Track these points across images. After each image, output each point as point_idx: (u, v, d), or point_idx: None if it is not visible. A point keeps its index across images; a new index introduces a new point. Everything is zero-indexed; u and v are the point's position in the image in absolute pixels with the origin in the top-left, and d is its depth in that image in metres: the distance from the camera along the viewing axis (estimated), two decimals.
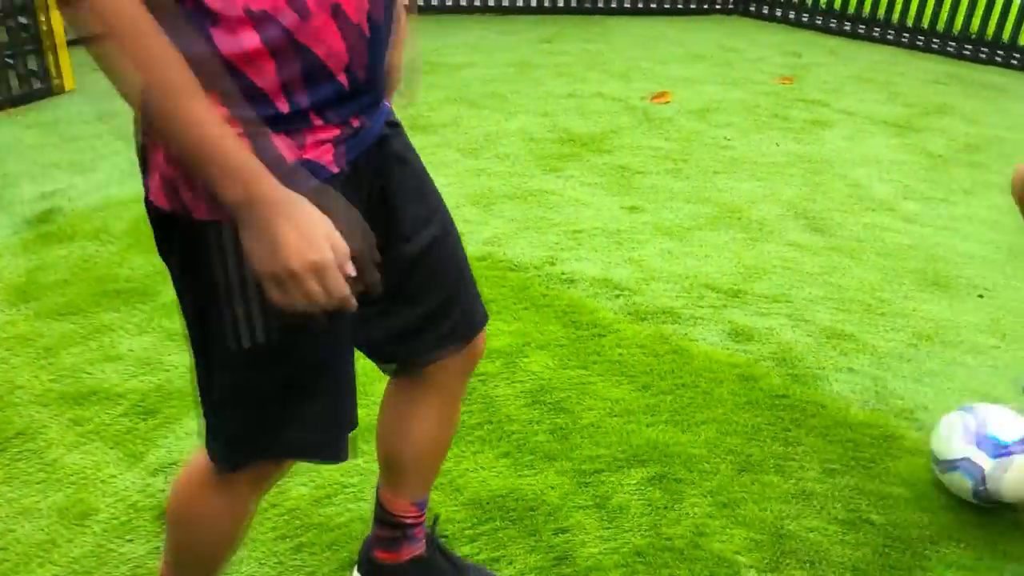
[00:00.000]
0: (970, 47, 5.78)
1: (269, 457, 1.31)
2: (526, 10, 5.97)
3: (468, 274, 1.49)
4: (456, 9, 5.84)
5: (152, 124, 1.06)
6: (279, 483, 1.79)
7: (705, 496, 2.02)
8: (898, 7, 5.94)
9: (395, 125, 1.34)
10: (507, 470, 2.06)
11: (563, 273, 2.90)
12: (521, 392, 2.32)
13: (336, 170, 1.16)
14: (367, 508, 1.88)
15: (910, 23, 5.95)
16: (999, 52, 5.70)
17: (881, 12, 6.00)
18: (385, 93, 1.29)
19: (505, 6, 5.93)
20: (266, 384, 1.23)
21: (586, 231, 3.18)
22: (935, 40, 5.87)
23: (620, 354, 2.51)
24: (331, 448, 1.32)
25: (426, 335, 1.43)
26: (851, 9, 6.08)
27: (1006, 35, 5.67)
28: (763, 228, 3.30)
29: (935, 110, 4.75)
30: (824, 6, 6.14)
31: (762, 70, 5.20)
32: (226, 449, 1.29)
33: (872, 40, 6.04)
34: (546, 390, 2.33)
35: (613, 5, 6.15)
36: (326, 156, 1.15)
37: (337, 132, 1.15)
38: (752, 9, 6.43)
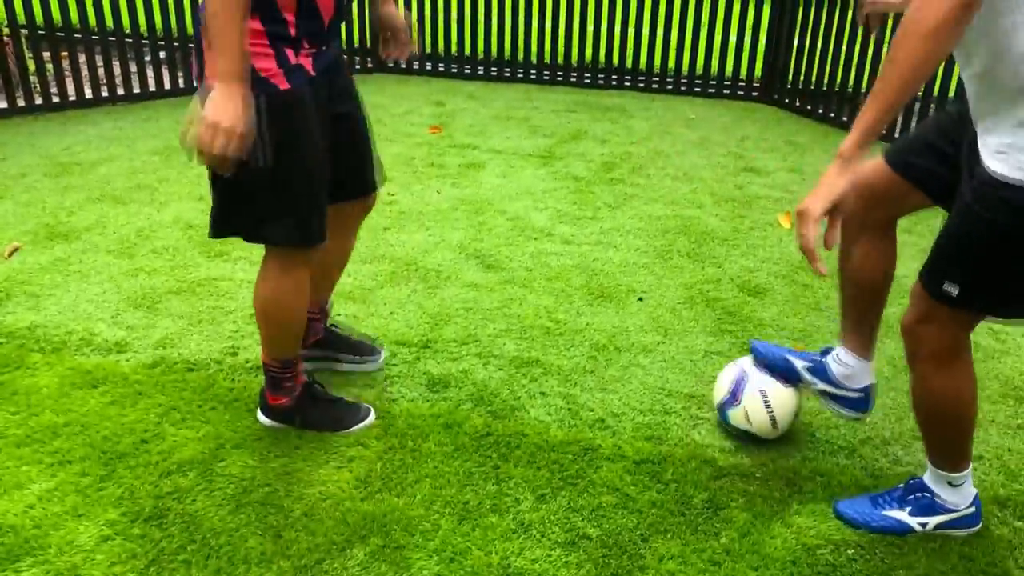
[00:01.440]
0: (590, 75, 6.38)
1: (279, 241, 2.15)
2: (161, 94, 5.70)
3: (370, 147, 2.36)
4: (82, 103, 5.44)
5: (211, 24, 1.83)
6: None
7: (431, 556, 2.00)
8: (521, 48, 6.42)
9: (342, 53, 2.26)
10: None
11: (247, 361, 2.77)
12: (223, 499, 2.16)
13: (313, 74, 2.03)
14: None
15: (534, 60, 6.45)
16: (615, 77, 6.35)
17: (507, 53, 6.44)
18: (396, 43, 2.40)
19: (137, 92, 5.62)
20: (270, 189, 2.05)
21: None
22: (560, 73, 6.41)
23: (322, 433, 2.43)
24: (316, 237, 2.14)
25: (347, 186, 2.31)
26: (480, 55, 6.48)
27: (616, 60, 6.32)
28: (440, 275, 3.38)
29: (571, 137, 5.16)
30: (456, 54, 6.48)
31: (412, 122, 5.36)
32: (239, 228, 2.14)
33: (506, 80, 6.47)
34: (249, 490, 2.20)
35: None
36: (308, 64, 2.02)
37: (314, 52, 2.04)
38: (391, 64, 6.62)
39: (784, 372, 2.39)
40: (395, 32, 2.40)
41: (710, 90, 6.26)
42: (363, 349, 2.73)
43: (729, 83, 6.24)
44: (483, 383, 2.68)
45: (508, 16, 6.35)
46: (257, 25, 1.93)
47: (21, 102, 5.25)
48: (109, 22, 5.70)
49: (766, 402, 2.37)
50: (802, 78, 5.82)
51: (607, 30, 6.22)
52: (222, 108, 1.84)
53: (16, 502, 2.13)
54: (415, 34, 2.12)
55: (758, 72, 6.17)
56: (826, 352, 2.38)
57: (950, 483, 2.10)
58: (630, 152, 4.92)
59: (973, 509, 2.13)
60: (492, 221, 3.90)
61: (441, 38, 6.47)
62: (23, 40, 5.25)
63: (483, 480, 2.26)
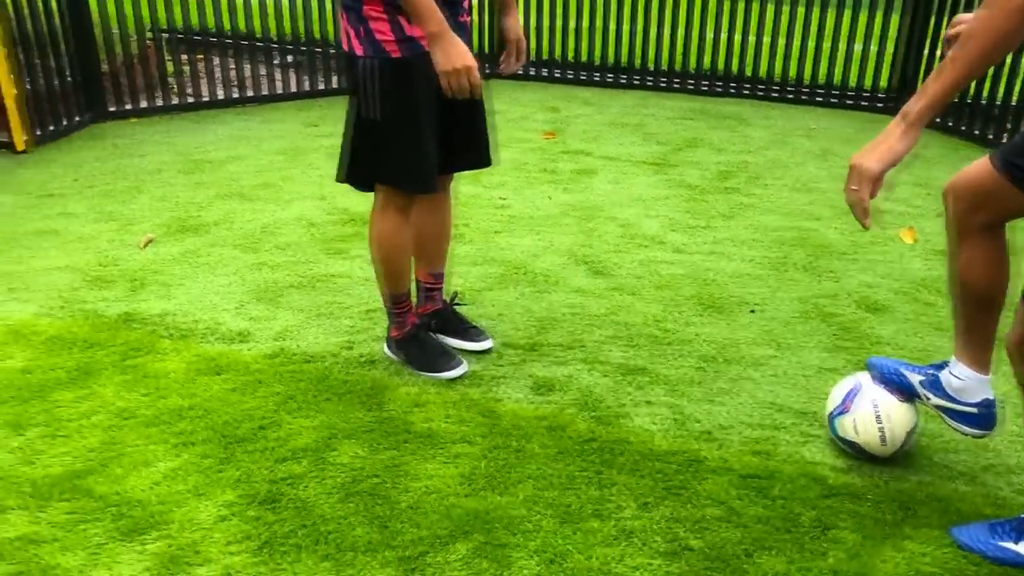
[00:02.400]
0: (708, 83, 6.30)
1: (385, 183, 2.50)
2: (286, 96, 5.93)
3: (485, 131, 2.64)
4: (214, 104, 5.72)
5: (409, 10, 2.19)
6: None
7: (532, 556, 2.02)
8: (638, 55, 6.39)
9: (469, 44, 2.41)
10: (329, 573, 1.97)
11: (362, 356, 2.85)
12: (333, 488, 2.24)
13: (427, 48, 2.26)
14: None
15: (651, 67, 6.41)
16: (733, 85, 6.25)
17: (624, 59, 6.43)
18: (507, 55, 2.64)
19: (266, 94, 5.86)
20: (381, 139, 2.41)
21: (379, 309, 3.15)
22: (677, 80, 6.35)
23: (429, 427, 2.48)
24: (416, 185, 2.48)
25: (458, 159, 2.61)
26: (596, 61, 6.48)
27: (734, 68, 6.22)
28: (548, 279, 3.41)
29: (686, 144, 5.11)
30: (573, 60, 6.51)
31: (526, 128, 5.41)
32: (360, 175, 2.53)
33: (622, 87, 6.45)
34: (359, 480, 2.27)
35: None
36: (423, 39, 2.26)
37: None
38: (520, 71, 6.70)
39: (899, 386, 2.32)
40: (516, 43, 2.64)
41: (832, 100, 6.09)
42: (472, 335, 2.88)
43: (853, 93, 6.05)
44: (588, 389, 2.69)
45: (627, 22, 6.33)
46: None
47: (160, 102, 5.55)
48: (242, 27, 5.97)
49: (877, 415, 2.29)
50: None
51: (727, 38, 6.13)
52: (449, 55, 2.21)
53: (144, 478, 2.26)
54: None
55: (884, 83, 5.97)
56: (942, 366, 2.29)
57: None
58: (747, 161, 4.84)
59: None
60: (602, 227, 3.90)
61: (558, 44, 6.51)
62: (164, 45, 5.55)
63: (586, 484, 2.27)
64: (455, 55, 2.21)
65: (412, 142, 2.41)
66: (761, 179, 4.57)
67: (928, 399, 2.28)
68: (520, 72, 6.62)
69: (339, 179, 2.57)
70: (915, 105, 1.66)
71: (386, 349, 2.85)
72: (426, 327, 2.85)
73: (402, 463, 2.33)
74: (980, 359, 2.19)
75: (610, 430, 2.49)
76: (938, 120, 5.55)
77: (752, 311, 3.20)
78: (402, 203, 2.55)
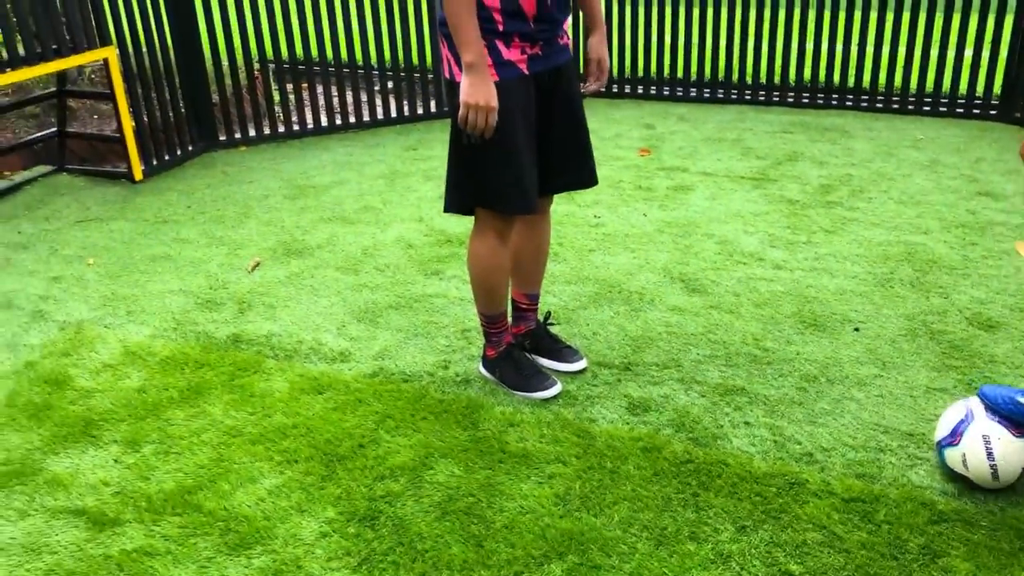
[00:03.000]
0: (808, 95, 6.16)
1: (482, 205, 2.53)
2: (387, 122, 6.08)
3: (587, 150, 2.65)
4: (318, 131, 5.91)
5: (451, 23, 2.25)
6: None
7: None
8: (735, 69, 6.30)
9: (570, 65, 2.55)
10: None
11: (457, 375, 2.90)
12: (430, 506, 2.27)
13: (526, 72, 2.39)
14: None
15: (749, 80, 6.31)
16: (835, 96, 6.10)
17: (721, 74, 6.35)
18: (587, 75, 2.66)
19: (367, 120, 6.03)
20: (478, 162, 2.44)
21: (474, 329, 3.20)
22: (776, 93, 6.24)
23: (524, 447, 2.50)
24: (512, 207, 2.49)
25: (558, 179, 2.64)
26: (692, 76, 6.43)
27: (836, 79, 6.07)
28: (643, 297, 3.38)
29: (786, 158, 5.01)
30: (668, 76, 6.47)
31: (620, 145, 5.40)
32: (459, 200, 2.56)
33: (718, 102, 6.37)
34: (455, 499, 2.30)
35: None
36: (521, 63, 2.38)
37: (528, 51, 2.39)
38: (602, 89, 6.70)
39: (1014, 417, 2.20)
40: (597, 63, 2.66)
41: (940, 109, 5.86)
42: (566, 356, 2.91)
43: (963, 101, 5.82)
44: (684, 409, 2.66)
45: (723, 37, 6.26)
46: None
47: (267, 130, 5.77)
48: (344, 56, 6.15)
49: (988, 450, 2.18)
50: None
51: (827, 48, 5.99)
52: (477, 89, 2.25)
53: (249, 495, 2.34)
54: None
55: (996, 89, 5.72)
56: None
57: None
58: (850, 174, 4.71)
59: None
60: (699, 244, 3.85)
61: (654, 60, 6.48)
62: (271, 75, 5.78)
63: (682, 507, 2.24)
64: (482, 92, 2.26)
65: (509, 164, 2.43)
66: (865, 192, 4.44)
67: None
68: (615, 90, 6.61)
69: (445, 209, 2.61)
70: None
71: (481, 368, 2.88)
72: (520, 347, 2.87)
73: (497, 483, 2.35)
74: None
75: (707, 452, 2.45)
76: None
77: (856, 329, 3.11)
78: (500, 225, 2.58)
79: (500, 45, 2.35)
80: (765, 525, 2.16)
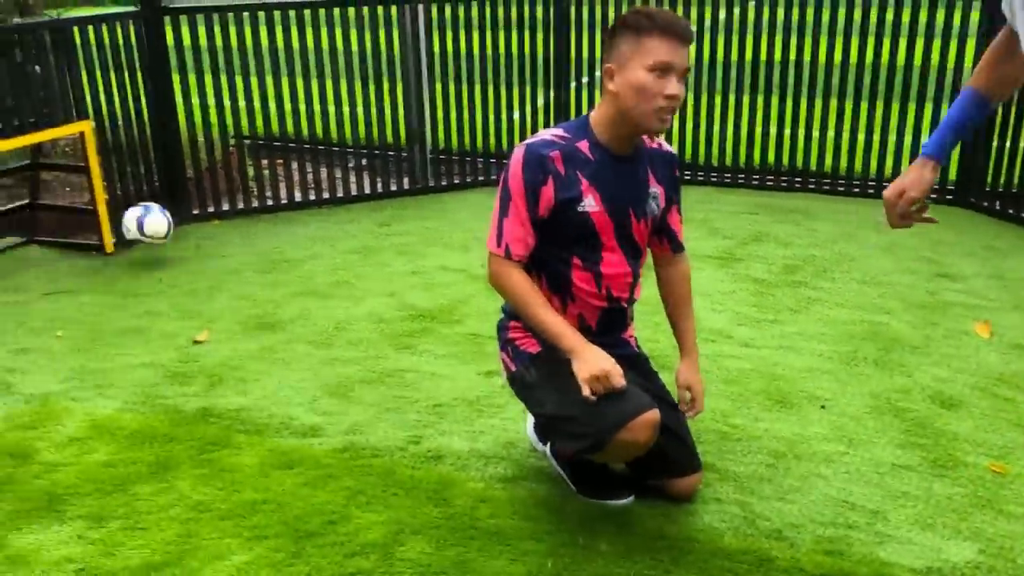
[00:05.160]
0: (772, 178, 6.35)
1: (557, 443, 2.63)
2: (360, 198, 6.15)
3: (683, 433, 2.61)
4: (291, 206, 5.97)
5: (532, 328, 2.47)
6: None
7: None
8: (701, 152, 6.49)
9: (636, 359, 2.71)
10: None
11: (428, 451, 2.89)
12: None
13: None
14: None
15: (715, 163, 6.49)
16: (798, 180, 6.28)
17: (688, 156, 6.53)
18: (680, 402, 2.69)
19: (340, 196, 6.10)
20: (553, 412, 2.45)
21: (446, 403, 3.21)
22: (741, 176, 6.42)
23: (496, 524, 2.49)
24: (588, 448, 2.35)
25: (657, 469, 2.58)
26: None
27: (799, 162, 6.27)
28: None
29: (752, 239, 5.13)
30: None
31: None
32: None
33: (686, 183, 6.53)
34: None
35: (444, 183, 6.44)
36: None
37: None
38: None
39: None
40: (688, 390, 2.68)
41: None
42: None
43: None
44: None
45: (690, 120, 6.46)
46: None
47: (240, 205, 5.82)
48: (319, 133, 6.25)
49: None
50: (1002, 180, 5.55)
51: (790, 133, 6.20)
52: (588, 364, 2.27)
53: (218, 572, 2.30)
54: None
55: (952, 175, 5.93)
56: None
57: None
58: (814, 255, 4.83)
59: None
60: (667, 322, 3.91)
61: None
62: (245, 150, 5.86)
63: None
64: (592, 363, 2.26)
65: (572, 393, 2.32)
66: (829, 272, 4.56)
67: None
68: None
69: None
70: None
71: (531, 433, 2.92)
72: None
73: (469, 560, 2.34)
74: None
75: (679, 528, 2.46)
76: (1011, 210, 5.48)
77: (823, 406, 3.16)
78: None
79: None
80: None
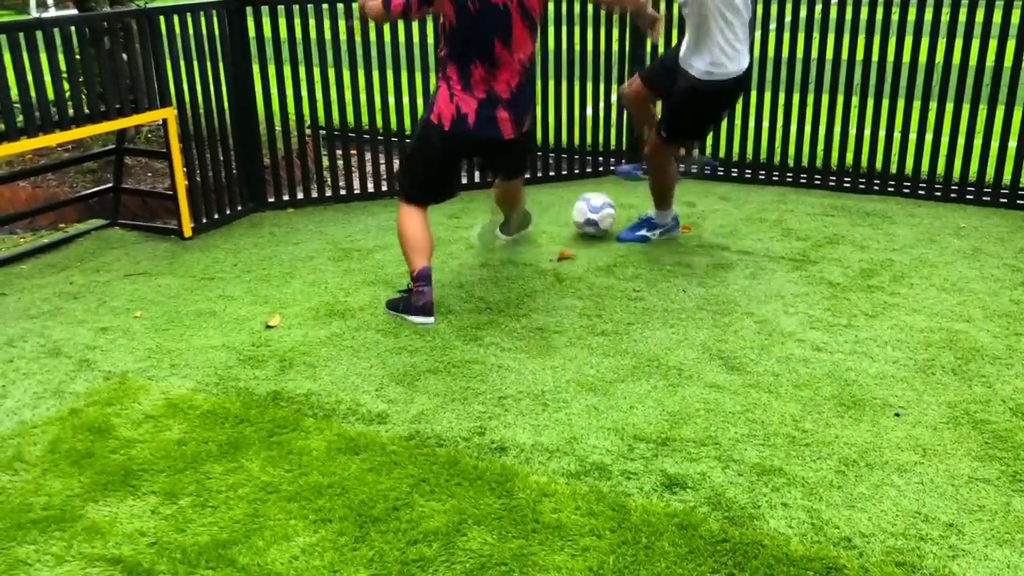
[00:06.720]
0: (850, 179, 6.19)
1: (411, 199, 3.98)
2: None
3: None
4: (364, 197, 6.04)
5: None
6: None
7: None
8: (777, 151, 6.37)
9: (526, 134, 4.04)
10: None
11: (492, 442, 2.90)
12: (462, 573, 2.26)
13: (471, 131, 3.82)
14: None
15: (791, 163, 6.37)
16: (876, 182, 6.12)
17: (763, 156, 6.42)
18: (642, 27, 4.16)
19: None
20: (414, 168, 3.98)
21: (511, 396, 3.21)
22: (817, 176, 6.28)
23: (558, 518, 2.49)
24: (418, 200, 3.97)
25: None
26: (735, 157, 6.50)
27: (879, 164, 6.10)
28: (682, 373, 3.38)
29: (827, 241, 5.02)
30: (709, 156, 6.54)
31: None
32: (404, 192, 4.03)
33: (759, 183, 6.42)
34: (487, 567, 2.29)
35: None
36: (471, 119, 3.79)
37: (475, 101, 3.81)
38: (644, 167, 6.78)
39: None
40: (645, 14, 3.96)
41: (984, 198, 5.86)
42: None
43: (1006, 191, 5.81)
44: (721, 487, 2.64)
45: (766, 119, 6.34)
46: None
47: (314, 194, 5.91)
48: (394, 125, 6.31)
49: None
50: None
51: (870, 133, 6.04)
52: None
53: (283, 552, 2.35)
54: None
55: None
56: None
57: None
58: (891, 259, 4.70)
59: None
60: (738, 323, 3.86)
61: None
62: (320, 140, 5.95)
63: None
64: None
65: (425, 173, 3.97)
66: (907, 278, 4.43)
67: None
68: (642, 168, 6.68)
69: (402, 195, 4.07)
70: None
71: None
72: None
73: (530, 553, 2.34)
74: None
75: (744, 532, 2.42)
76: None
77: (897, 414, 3.08)
78: (413, 206, 3.97)
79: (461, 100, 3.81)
80: None
